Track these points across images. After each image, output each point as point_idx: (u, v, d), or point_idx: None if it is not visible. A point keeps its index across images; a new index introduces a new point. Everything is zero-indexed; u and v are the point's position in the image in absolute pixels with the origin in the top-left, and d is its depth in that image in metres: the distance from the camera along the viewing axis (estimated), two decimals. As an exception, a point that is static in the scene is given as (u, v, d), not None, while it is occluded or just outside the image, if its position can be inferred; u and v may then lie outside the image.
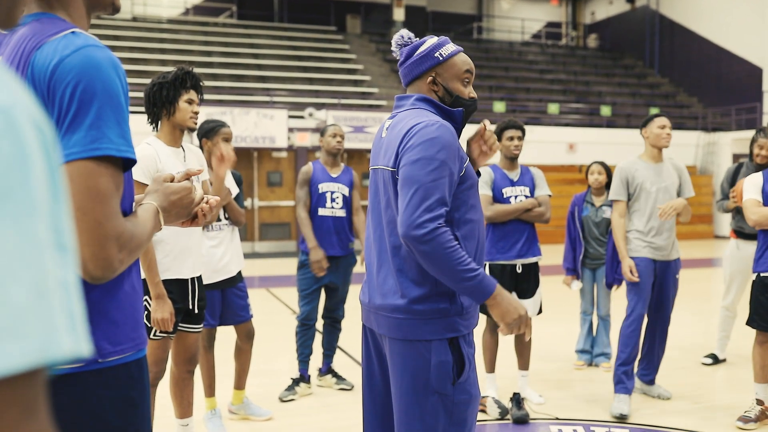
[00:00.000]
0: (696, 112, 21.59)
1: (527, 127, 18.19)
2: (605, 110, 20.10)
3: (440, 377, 2.08)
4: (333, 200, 4.79)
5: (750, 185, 4.18)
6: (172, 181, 1.65)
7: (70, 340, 0.50)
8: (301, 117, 16.00)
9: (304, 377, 4.81)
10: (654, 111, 20.39)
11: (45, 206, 0.52)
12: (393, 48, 2.31)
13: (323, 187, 4.79)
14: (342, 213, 4.81)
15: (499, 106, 18.99)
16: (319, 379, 5.02)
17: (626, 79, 24.63)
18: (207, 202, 1.72)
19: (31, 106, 0.54)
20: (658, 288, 4.55)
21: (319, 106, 16.91)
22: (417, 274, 2.10)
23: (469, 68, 2.24)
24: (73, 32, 1.39)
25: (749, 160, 5.33)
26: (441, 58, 2.21)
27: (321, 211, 4.78)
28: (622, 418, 4.30)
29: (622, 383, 4.45)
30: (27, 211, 0.50)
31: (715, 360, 5.55)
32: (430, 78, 2.22)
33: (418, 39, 2.29)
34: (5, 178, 0.49)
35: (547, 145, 17.89)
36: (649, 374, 4.73)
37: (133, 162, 1.40)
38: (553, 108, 19.75)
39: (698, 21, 23.17)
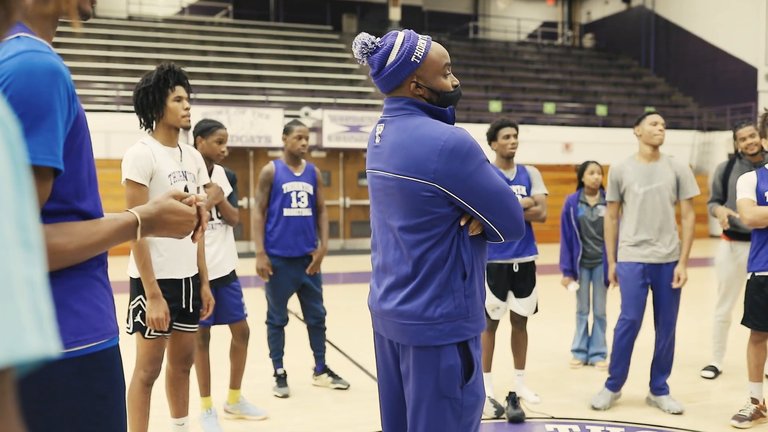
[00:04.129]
0: (691, 112, 21.63)
1: (523, 127, 18.20)
2: (601, 110, 20.13)
3: (449, 381, 2.09)
4: (298, 200, 4.70)
5: (744, 184, 4.16)
6: (183, 198, 1.63)
7: (37, 339, 0.49)
8: (297, 116, 15.99)
9: (284, 374, 4.83)
10: (650, 111, 20.40)
11: (10, 203, 0.50)
12: (357, 57, 2.16)
13: (287, 187, 4.69)
14: (308, 212, 4.74)
15: (495, 106, 19.00)
16: (315, 379, 5.01)
17: (622, 79, 24.66)
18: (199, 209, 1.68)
19: None
20: (654, 292, 4.48)
21: (315, 106, 16.91)
22: (424, 279, 2.11)
23: (446, 60, 2.17)
24: (17, 37, 1.37)
25: (738, 157, 5.23)
26: (419, 62, 2.11)
27: (287, 212, 4.68)
28: (595, 410, 4.44)
29: (611, 383, 4.57)
30: None
31: (716, 372, 5.33)
32: (413, 84, 2.13)
33: (379, 40, 2.15)
34: None
35: (542, 144, 17.91)
36: (655, 381, 4.54)
37: (58, 171, 1.39)
38: (549, 107, 19.76)
39: (693, 21, 23.22)
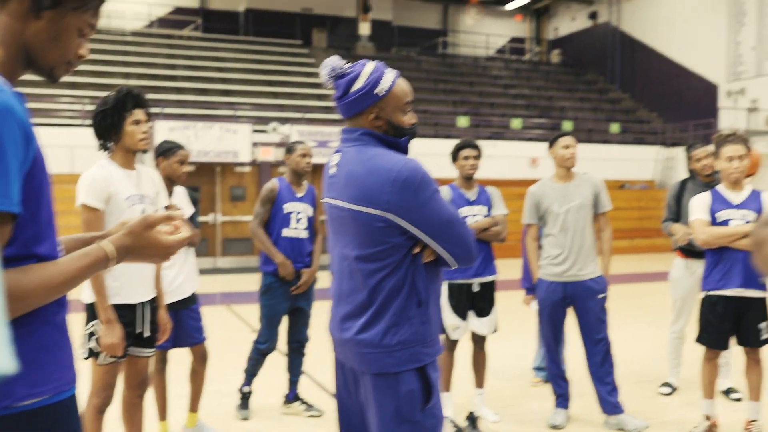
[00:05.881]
0: (655, 128, 22.01)
1: (490, 142, 18.22)
2: (567, 125, 20.37)
3: (410, 406, 2.13)
4: (298, 221, 4.66)
5: (698, 205, 4.24)
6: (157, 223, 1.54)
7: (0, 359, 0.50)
8: (265, 132, 15.97)
9: (249, 393, 4.78)
10: (614, 126, 20.76)
11: None
12: (324, 79, 2.20)
13: (288, 207, 4.64)
14: (305, 234, 4.69)
15: (463, 121, 19.16)
16: (287, 407, 4.85)
17: (588, 95, 25.03)
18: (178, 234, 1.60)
19: None
20: (575, 311, 4.57)
21: (284, 121, 16.89)
22: (380, 307, 2.14)
23: (409, 98, 2.23)
24: None
25: (691, 177, 5.35)
26: (381, 95, 2.16)
27: (285, 232, 4.63)
28: (555, 428, 4.51)
29: (560, 401, 4.69)
30: None
31: (672, 388, 5.41)
32: (372, 115, 2.18)
33: (349, 66, 2.20)
34: None
35: (510, 159, 18.07)
36: (605, 402, 4.56)
37: (15, 215, 1.32)
38: (516, 123, 19.98)
39: (657, 38, 23.68)
